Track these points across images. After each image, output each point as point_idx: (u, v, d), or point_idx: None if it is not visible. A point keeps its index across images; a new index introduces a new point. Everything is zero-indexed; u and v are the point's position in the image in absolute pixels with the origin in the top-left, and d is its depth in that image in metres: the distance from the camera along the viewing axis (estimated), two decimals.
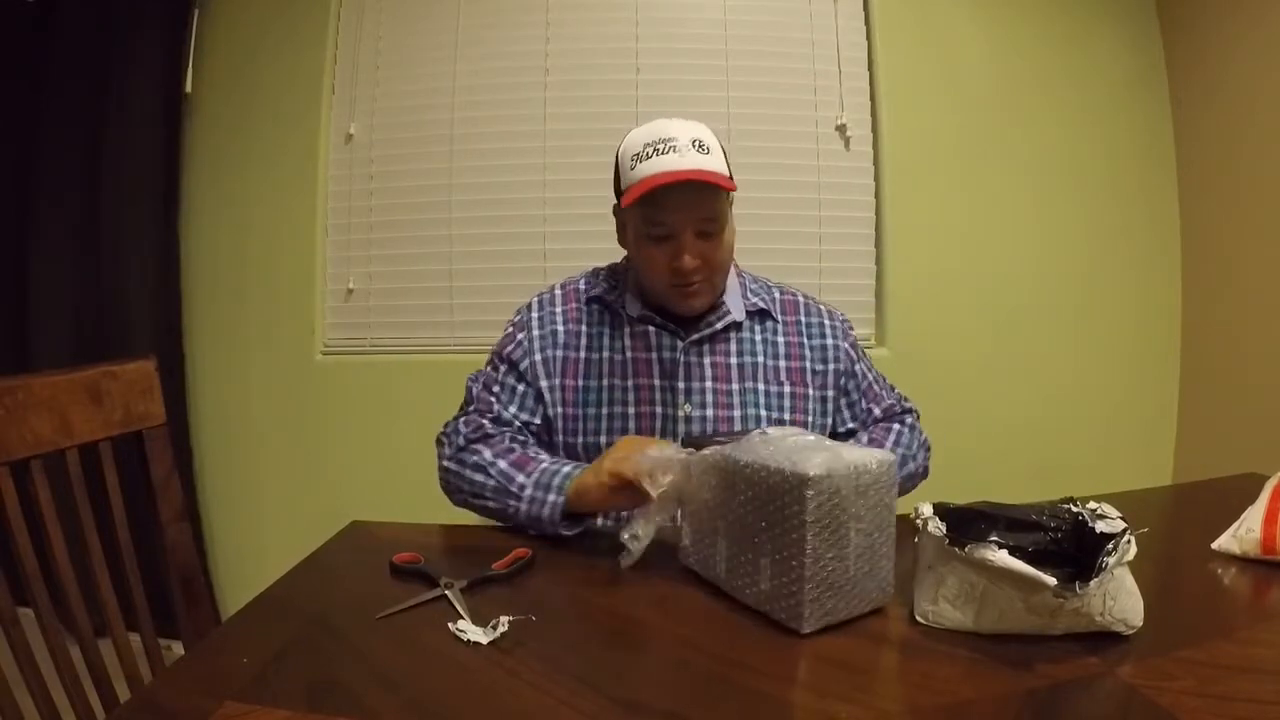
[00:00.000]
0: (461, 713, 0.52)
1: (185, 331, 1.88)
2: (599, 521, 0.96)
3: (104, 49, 1.82)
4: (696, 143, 0.93)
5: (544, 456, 0.94)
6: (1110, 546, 0.57)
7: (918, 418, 1.11)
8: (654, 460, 0.74)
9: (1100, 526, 0.59)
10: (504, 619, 0.63)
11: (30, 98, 1.85)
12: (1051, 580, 0.55)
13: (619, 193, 1.00)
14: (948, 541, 0.60)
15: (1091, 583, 0.55)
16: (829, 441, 0.71)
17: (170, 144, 1.83)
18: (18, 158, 1.86)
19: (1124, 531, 0.58)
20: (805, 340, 1.07)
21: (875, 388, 1.09)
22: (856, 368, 1.08)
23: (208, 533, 1.88)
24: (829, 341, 1.07)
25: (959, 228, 1.83)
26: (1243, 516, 0.79)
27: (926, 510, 0.65)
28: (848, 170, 1.83)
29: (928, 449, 1.08)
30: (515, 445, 0.97)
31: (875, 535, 0.64)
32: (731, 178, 0.96)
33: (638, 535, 0.72)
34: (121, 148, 1.81)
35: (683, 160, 0.91)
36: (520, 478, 0.90)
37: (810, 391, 1.04)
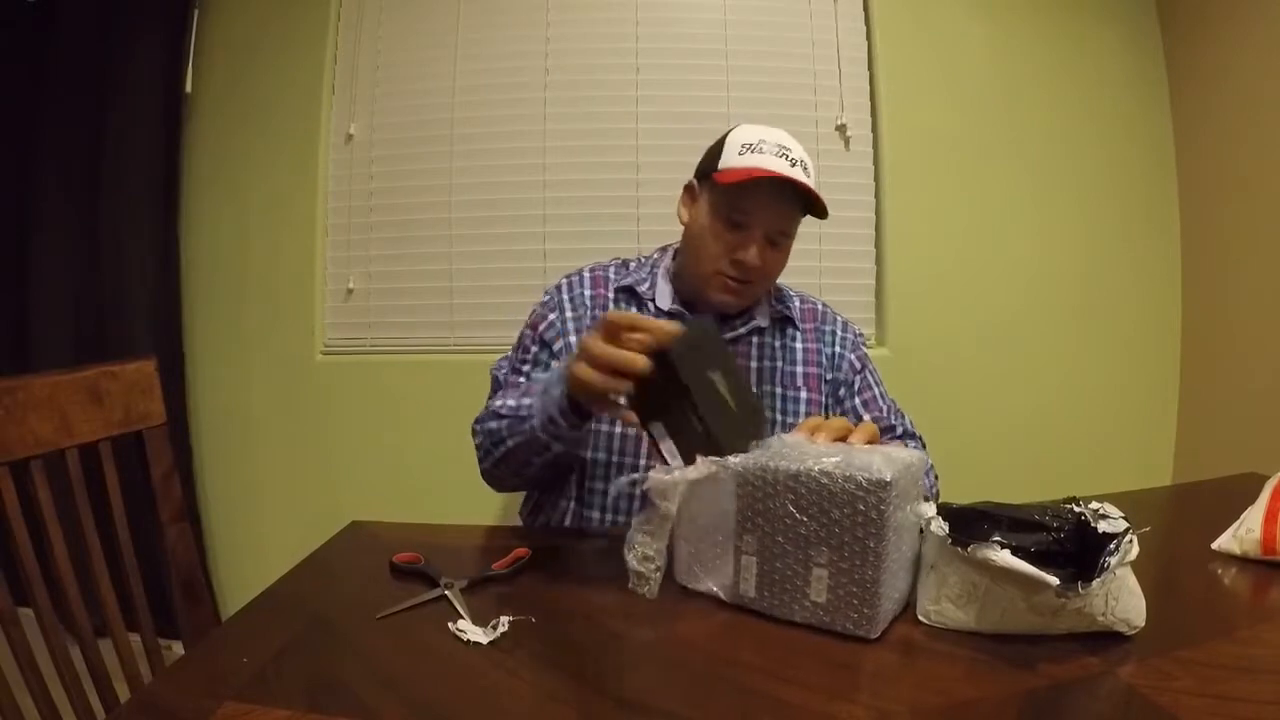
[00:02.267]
0: (461, 713, 0.52)
1: (185, 331, 1.87)
2: (607, 519, 0.96)
3: (104, 49, 1.81)
4: (804, 164, 0.97)
5: (540, 374, 0.94)
6: (1112, 546, 0.57)
7: (923, 445, 1.09)
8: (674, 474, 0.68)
9: (1102, 526, 0.59)
10: (504, 619, 0.63)
11: (31, 97, 1.84)
12: (1054, 580, 0.55)
13: (710, 169, 1.00)
14: (950, 541, 0.60)
15: (1094, 582, 0.55)
16: (858, 445, 0.71)
17: (170, 144, 1.83)
18: (18, 157, 1.86)
19: (1126, 531, 0.58)
20: (821, 347, 1.09)
21: (880, 401, 1.09)
22: (857, 378, 1.09)
23: (208, 533, 1.88)
24: (836, 349, 1.09)
25: (959, 228, 1.83)
26: (1243, 516, 0.79)
27: (929, 510, 0.65)
28: (848, 170, 1.83)
29: (936, 475, 1.06)
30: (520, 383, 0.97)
31: (914, 533, 0.65)
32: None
33: (651, 557, 0.68)
34: (121, 148, 1.81)
35: (793, 171, 0.95)
36: (526, 400, 0.88)
37: (824, 399, 1.07)
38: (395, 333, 1.87)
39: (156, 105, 1.81)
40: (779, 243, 0.99)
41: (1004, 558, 0.57)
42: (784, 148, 0.96)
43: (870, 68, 1.83)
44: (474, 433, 0.99)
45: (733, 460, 0.66)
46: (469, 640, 0.61)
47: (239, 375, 1.88)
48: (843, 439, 0.75)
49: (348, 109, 1.88)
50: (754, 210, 0.96)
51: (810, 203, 0.98)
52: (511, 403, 0.90)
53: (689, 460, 0.70)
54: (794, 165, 0.95)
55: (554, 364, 1.03)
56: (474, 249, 1.84)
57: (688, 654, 0.61)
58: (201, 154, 1.89)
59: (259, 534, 1.88)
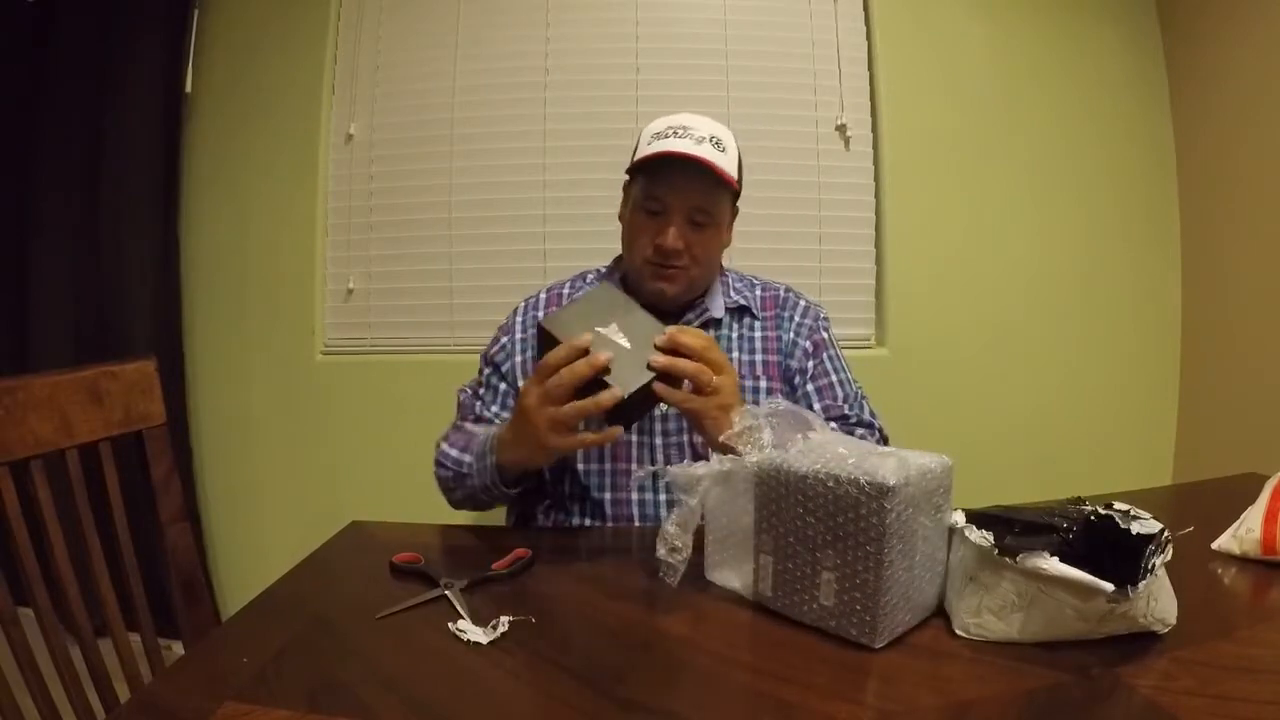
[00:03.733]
0: (461, 713, 0.52)
1: (185, 331, 1.88)
2: (600, 521, 0.96)
3: (104, 49, 1.81)
4: (714, 139, 0.96)
5: (479, 430, 0.95)
6: (1154, 547, 0.56)
7: (883, 438, 1.04)
8: (691, 472, 0.69)
9: (1136, 528, 0.58)
10: (504, 619, 0.63)
11: (31, 98, 1.84)
12: (1108, 586, 0.53)
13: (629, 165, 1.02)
14: (997, 552, 0.57)
15: (1140, 584, 0.54)
16: (881, 446, 0.69)
17: (170, 144, 1.83)
18: (18, 157, 1.86)
19: (1163, 530, 0.57)
20: (780, 334, 1.07)
21: (836, 389, 1.05)
22: (811, 363, 1.05)
23: (208, 533, 1.88)
24: (789, 336, 1.06)
25: (959, 228, 1.83)
26: (1243, 516, 0.79)
27: (960, 519, 0.63)
28: (848, 170, 1.83)
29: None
30: (467, 427, 0.99)
31: (936, 542, 0.63)
32: (739, 183, 0.98)
33: (678, 549, 0.67)
34: (121, 147, 1.81)
35: (697, 149, 0.94)
36: (466, 458, 0.92)
37: (785, 387, 1.04)
38: (395, 333, 1.87)
39: (156, 105, 1.81)
40: (702, 222, 0.98)
41: (1055, 566, 0.55)
42: (689, 129, 0.96)
43: (870, 68, 1.83)
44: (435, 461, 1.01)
45: (750, 460, 0.66)
46: (469, 640, 0.61)
47: (239, 375, 1.88)
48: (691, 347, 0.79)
49: (348, 109, 1.88)
50: (664, 195, 0.96)
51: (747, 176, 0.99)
52: (454, 454, 0.94)
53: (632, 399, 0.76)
54: (700, 143, 0.94)
55: (502, 385, 1.04)
56: (474, 249, 1.84)
57: (687, 653, 0.60)
58: (201, 154, 1.89)
59: (259, 534, 1.88)
